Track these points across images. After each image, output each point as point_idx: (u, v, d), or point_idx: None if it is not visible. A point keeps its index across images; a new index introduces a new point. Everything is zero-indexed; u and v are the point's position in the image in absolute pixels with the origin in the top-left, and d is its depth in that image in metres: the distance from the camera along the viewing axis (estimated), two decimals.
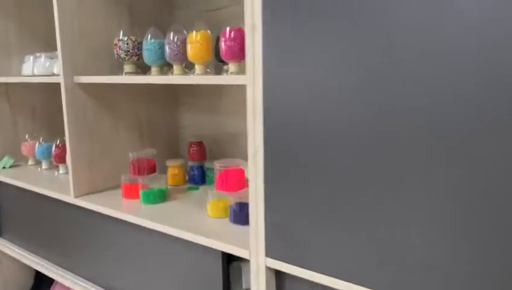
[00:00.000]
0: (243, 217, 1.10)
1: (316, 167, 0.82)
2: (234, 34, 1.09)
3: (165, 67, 1.32)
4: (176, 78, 1.22)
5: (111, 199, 1.34)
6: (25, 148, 1.80)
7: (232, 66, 1.12)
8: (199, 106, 1.62)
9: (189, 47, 1.16)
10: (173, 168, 1.46)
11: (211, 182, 1.44)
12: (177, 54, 1.21)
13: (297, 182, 0.85)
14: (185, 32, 1.23)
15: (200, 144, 1.48)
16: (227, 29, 1.10)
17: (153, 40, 1.28)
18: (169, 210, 1.23)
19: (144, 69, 1.37)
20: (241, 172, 1.13)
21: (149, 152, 1.33)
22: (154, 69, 1.31)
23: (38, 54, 1.65)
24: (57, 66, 1.43)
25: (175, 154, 1.66)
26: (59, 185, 1.50)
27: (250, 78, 0.88)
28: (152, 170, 1.33)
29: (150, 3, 1.53)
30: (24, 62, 1.73)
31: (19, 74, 1.77)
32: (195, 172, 1.47)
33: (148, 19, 1.52)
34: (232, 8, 1.45)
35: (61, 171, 1.68)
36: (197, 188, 1.43)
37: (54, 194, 1.41)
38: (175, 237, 1.09)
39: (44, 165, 1.76)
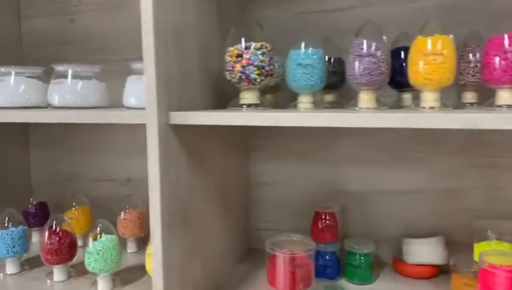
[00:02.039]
0: None
1: None
2: None
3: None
4: None
5: None
6: None
7: None
8: (283, 151, 1.08)
9: (420, 62, 0.67)
10: None
11: (353, 276, 0.92)
12: (381, 73, 0.71)
13: None
14: (385, 37, 0.73)
15: (332, 216, 0.95)
16: None
17: (310, 50, 0.74)
18: None
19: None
20: None
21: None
22: (306, 99, 0.76)
23: (8, 70, 0.93)
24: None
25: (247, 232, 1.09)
26: None
27: None
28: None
29: None
30: None
31: None
32: (329, 260, 0.93)
33: (231, 19, 0.95)
34: (358, 9, 0.99)
35: (56, 279, 0.94)
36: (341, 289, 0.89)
37: None
38: None
39: (10, 269, 0.98)
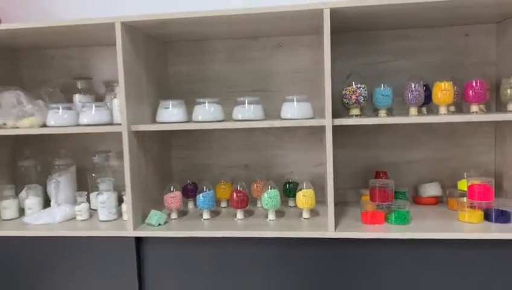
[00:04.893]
0: (505, 219, 1.49)
1: None
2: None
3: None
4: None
5: (353, 225, 1.52)
6: (171, 200, 1.67)
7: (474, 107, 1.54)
8: (352, 143, 1.87)
9: (439, 94, 1.51)
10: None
11: None
12: (417, 98, 1.54)
13: None
14: (421, 81, 1.57)
15: (385, 173, 1.77)
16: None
17: (388, 88, 1.56)
18: (432, 224, 1.50)
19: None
20: (488, 186, 1.52)
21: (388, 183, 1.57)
22: (383, 112, 1.58)
23: (204, 100, 1.62)
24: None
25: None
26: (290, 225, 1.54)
27: None
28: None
29: None
30: (167, 108, 1.66)
31: (153, 121, 1.69)
32: None
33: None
34: (394, 62, 1.81)
35: (239, 217, 1.65)
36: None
37: (311, 234, 1.47)
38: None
39: (206, 215, 1.67)
